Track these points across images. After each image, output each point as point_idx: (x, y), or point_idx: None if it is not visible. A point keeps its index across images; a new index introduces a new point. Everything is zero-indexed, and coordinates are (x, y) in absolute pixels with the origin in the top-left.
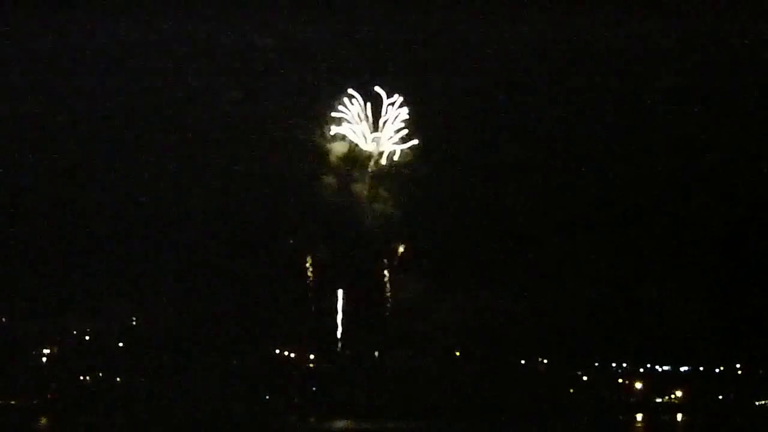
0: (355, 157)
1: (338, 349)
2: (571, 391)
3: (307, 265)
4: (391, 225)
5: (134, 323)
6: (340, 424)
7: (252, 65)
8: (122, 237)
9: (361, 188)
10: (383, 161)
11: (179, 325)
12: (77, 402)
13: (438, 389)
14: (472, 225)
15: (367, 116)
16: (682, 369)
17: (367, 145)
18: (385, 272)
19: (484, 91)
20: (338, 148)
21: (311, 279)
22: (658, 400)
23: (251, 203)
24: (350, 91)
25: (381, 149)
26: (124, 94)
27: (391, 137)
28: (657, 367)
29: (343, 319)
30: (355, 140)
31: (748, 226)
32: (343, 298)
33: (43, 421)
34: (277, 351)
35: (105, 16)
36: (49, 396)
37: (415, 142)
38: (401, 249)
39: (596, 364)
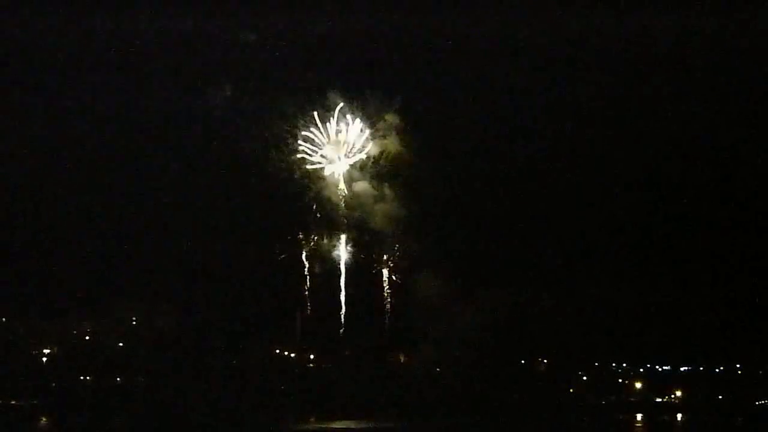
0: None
1: (338, 349)
2: (571, 391)
3: (307, 264)
4: (396, 225)
5: (134, 323)
6: (340, 424)
7: (238, 63)
8: (122, 237)
9: (365, 187)
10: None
11: (179, 325)
12: (77, 402)
13: (438, 389)
14: (472, 227)
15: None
16: (682, 369)
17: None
18: (387, 272)
19: (486, 88)
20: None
21: (311, 279)
22: (658, 400)
23: (251, 203)
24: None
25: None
26: (126, 95)
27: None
28: (657, 367)
29: (343, 319)
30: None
31: (748, 227)
32: (344, 298)
33: (43, 421)
34: (277, 351)
35: (90, 14)
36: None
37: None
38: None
39: (596, 364)
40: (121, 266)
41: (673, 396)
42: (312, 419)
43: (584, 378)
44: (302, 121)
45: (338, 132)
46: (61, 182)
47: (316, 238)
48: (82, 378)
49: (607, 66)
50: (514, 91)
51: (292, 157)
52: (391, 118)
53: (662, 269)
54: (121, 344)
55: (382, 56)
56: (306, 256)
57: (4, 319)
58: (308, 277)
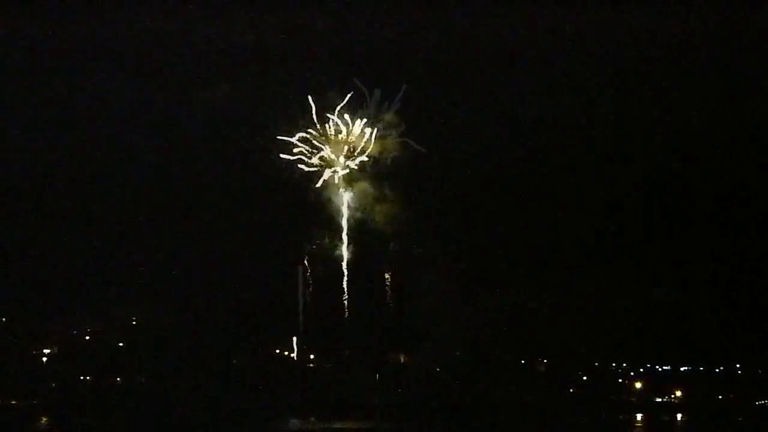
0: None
1: (338, 349)
2: (571, 391)
3: (308, 264)
4: (397, 225)
5: (134, 323)
6: (340, 424)
7: (237, 63)
8: (121, 237)
9: (365, 187)
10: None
11: (179, 325)
12: (77, 402)
13: (438, 389)
14: (472, 228)
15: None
16: (682, 369)
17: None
18: (388, 273)
19: (487, 88)
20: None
21: (312, 279)
22: (658, 400)
23: (252, 203)
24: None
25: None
26: (125, 94)
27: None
28: (657, 367)
29: (344, 318)
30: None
31: (748, 227)
32: (344, 298)
33: (43, 420)
34: (277, 351)
35: (90, 14)
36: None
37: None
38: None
39: (596, 364)
40: (121, 267)
41: (673, 396)
42: (312, 419)
43: (584, 378)
44: (302, 122)
45: (338, 132)
46: (61, 182)
47: (318, 240)
48: (82, 378)
49: (607, 66)
50: (516, 90)
51: (292, 158)
52: (391, 118)
53: (662, 269)
54: (121, 344)
55: (382, 56)
56: (306, 257)
57: (4, 319)
58: (309, 277)
